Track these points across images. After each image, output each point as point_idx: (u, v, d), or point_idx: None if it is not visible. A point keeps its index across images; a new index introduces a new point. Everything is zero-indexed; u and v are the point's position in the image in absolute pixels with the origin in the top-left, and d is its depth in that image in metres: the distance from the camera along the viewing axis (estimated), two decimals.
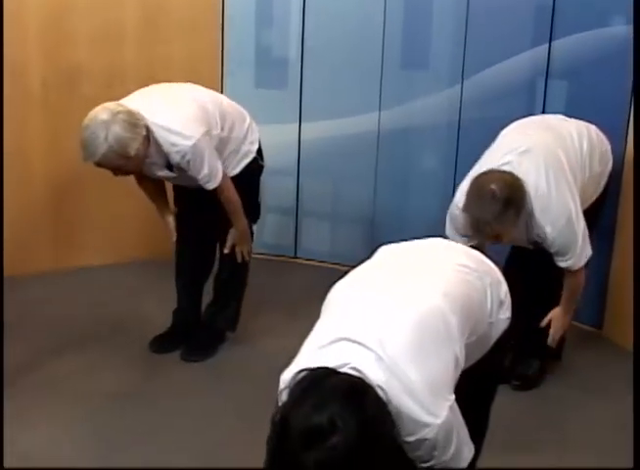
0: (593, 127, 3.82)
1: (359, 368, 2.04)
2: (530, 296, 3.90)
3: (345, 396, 1.94)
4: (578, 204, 3.59)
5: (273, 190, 5.07)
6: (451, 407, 2.12)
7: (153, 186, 4.06)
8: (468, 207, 3.44)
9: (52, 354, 4.07)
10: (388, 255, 2.48)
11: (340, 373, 2.02)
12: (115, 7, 4.39)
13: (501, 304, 2.49)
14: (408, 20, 4.88)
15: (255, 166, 4.05)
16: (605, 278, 4.43)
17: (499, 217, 3.35)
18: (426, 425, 2.07)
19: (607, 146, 3.86)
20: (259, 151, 4.07)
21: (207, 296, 4.28)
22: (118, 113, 3.55)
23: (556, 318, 3.77)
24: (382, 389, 2.02)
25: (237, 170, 3.99)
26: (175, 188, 4.12)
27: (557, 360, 4.14)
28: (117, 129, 3.50)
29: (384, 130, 5.04)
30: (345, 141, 5.13)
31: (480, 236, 3.47)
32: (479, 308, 2.37)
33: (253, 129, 4.04)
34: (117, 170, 3.66)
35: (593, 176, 3.77)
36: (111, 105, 3.60)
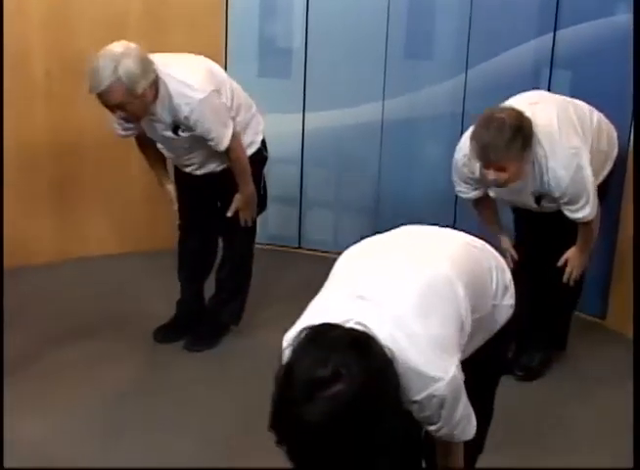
0: (601, 114, 3.83)
1: (364, 322, 2.02)
2: (535, 287, 3.91)
3: (349, 346, 1.92)
4: (588, 153, 3.57)
5: (277, 180, 5.06)
6: (458, 367, 2.11)
7: (154, 153, 3.99)
8: (475, 133, 3.40)
9: (54, 344, 4.07)
10: (398, 231, 2.48)
11: (343, 327, 2.00)
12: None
13: (505, 289, 2.48)
14: (412, 9, 4.86)
15: (259, 158, 4.03)
16: (609, 268, 4.43)
17: (507, 144, 3.31)
18: (434, 379, 2.05)
19: (613, 132, 3.86)
20: (263, 142, 4.06)
21: (211, 283, 4.27)
22: (133, 49, 3.50)
23: (572, 257, 3.77)
24: (387, 343, 1.99)
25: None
26: (178, 179, 4.09)
27: (561, 351, 4.13)
28: (129, 63, 3.45)
29: (387, 120, 5.03)
30: (349, 131, 5.12)
31: (483, 167, 3.41)
32: (483, 286, 2.37)
33: (259, 120, 4.03)
34: (118, 108, 3.54)
35: (600, 151, 3.74)
36: (126, 42, 3.54)
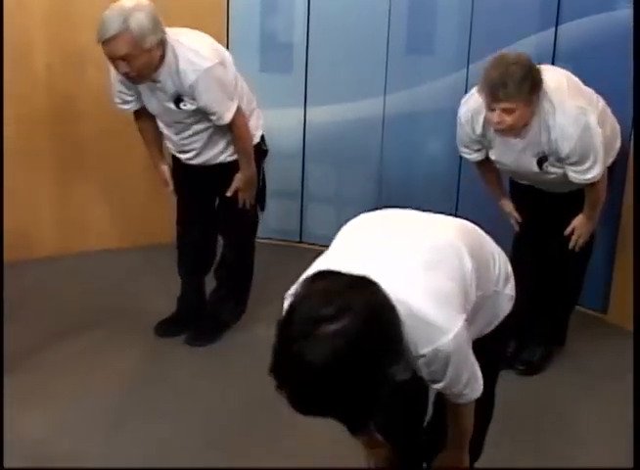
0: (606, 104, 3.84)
1: (367, 273, 1.97)
2: (536, 281, 3.92)
3: (352, 287, 1.91)
4: (595, 115, 3.56)
5: (278, 174, 5.06)
6: (465, 326, 2.10)
7: (151, 130, 3.96)
8: (486, 72, 3.39)
9: (56, 338, 4.08)
10: (398, 210, 2.45)
11: (346, 273, 1.97)
12: None
13: (507, 279, 2.47)
14: (414, 4, 4.86)
15: (259, 152, 4.02)
16: (610, 263, 4.43)
17: (516, 82, 3.31)
18: (440, 331, 2.03)
19: (616, 124, 3.85)
20: (262, 137, 4.05)
21: (212, 277, 4.28)
22: (146, 6, 3.50)
23: (579, 225, 3.76)
24: (392, 291, 1.96)
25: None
26: (176, 172, 4.06)
27: (560, 346, 4.13)
28: (141, 16, 3.44)
29: (389, 115, 5.03)
30: (351, 125, 5.12)
31: (490, 109, 3.39)
32: (486, 265, 2.35)
33: (259, 115, 4.02)
34: (123, 60, 3.47)
35: (605, 137, 3.70)
36: None
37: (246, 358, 4.01)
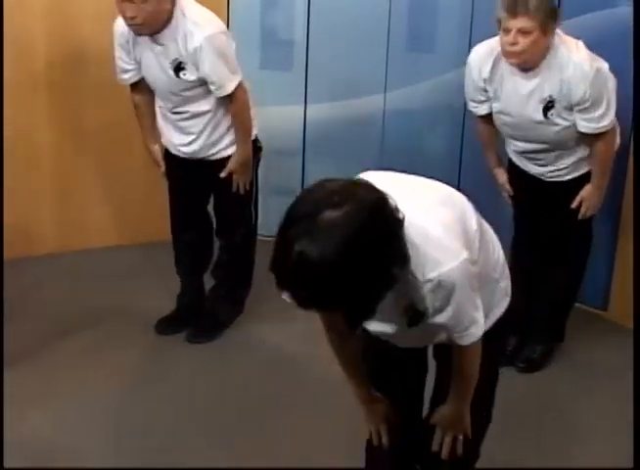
0: None
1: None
2: (535, 279, 3.92)
3: (359, 185, 1.93)
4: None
5: (278, 172, 5.07)
6: (470, 260, 2.10)
7: (146, 105, 3.94)
8: None
9: (56, 336, 4.08)
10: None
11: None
12: None
13: (503, 272, 2.46)
14: (414, 2, 4.86)
15: (254, 148, 3.99)
16: (610, 260, 4.43)
17: (538, 8, 3.31)
18: (449, 256, 2.03)
19: (616, 121, 3.85)
20: (256, 135, 4.01)
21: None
22: None
23: (587, 197, 3.72)
24: (407, 213, 1.95)
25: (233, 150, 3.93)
26: (170, 170, 4.05)
27: (559, 342, 4.12)
28: None
29: (389, 112, 5.02)
30: (351, 123, 5.11)
31: (506, 28, 3.37)
32: (487, 246, 2.34)
33: (255, 113, 3.99)
34: (131, 3, 3.46)
35: None
36: None
37: (245, 356, 4.02)
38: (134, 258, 4.94)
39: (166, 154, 4.04)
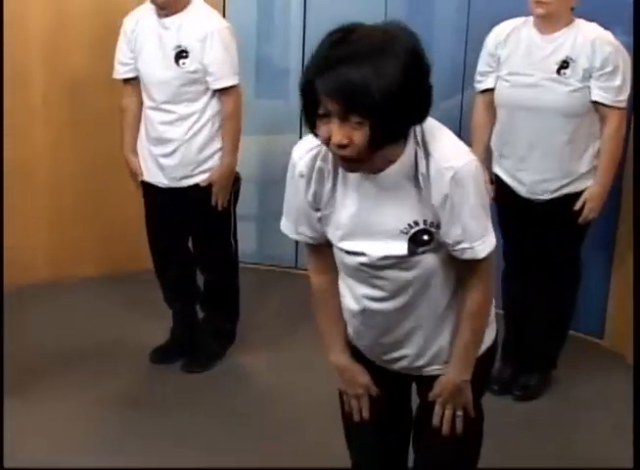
0: None
1: None
2: (528, 307, 3.91)
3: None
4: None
5: (274, 201, 5.05)
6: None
7: (134, 112, 3.92)
8: None
9: (50, 366, 4.06)
10: None
11: None
12: (117, 22, 4.38)
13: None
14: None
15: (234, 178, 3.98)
16: (605, 287, 4.42)
17: None
18: (463, 149, 2.10)
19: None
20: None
21: None
22: None
23: (590, 198, 3.68)
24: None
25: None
26: (148, 207, 4.04)
27: (552, 369, 4.09)
28: None
29: None
30: None
31: None
32: None
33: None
34: None
35: None
36: None
37: (238, 384, 4.02)
38: (128, 287, 4.93)
39: (144, 190, 4.01)
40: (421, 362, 2.32)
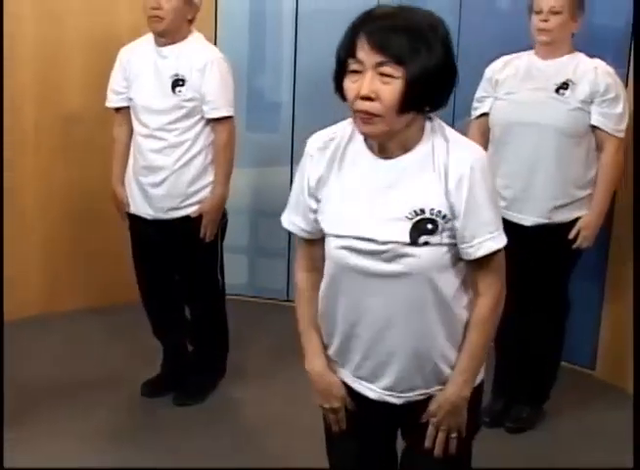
0: None
1: None
2: (520, 339, 3.90)
3: None
4: None
5: (266, 233, 5.08)
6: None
7: (124, 142, 3.92)
8: None
9: (42, 400, 4.04)
10: None
11: None
12: (109, 55, 4.40)
13: None
14: None
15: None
16: (597, 318, 4.42)
17: None
18: (475, 146, 2.17)
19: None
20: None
21: None
22: None
23: (585, 227, 3.68)
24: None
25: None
26: (134, 240, 4.04)
27: (545, 402, 4.07)
28: None
29: None
30: None
31: (538, 10, 3.58)
32: None
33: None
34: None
35: None
36: None
37: (230, 416, 4.01)
38: (118, 319, 4.91)
39: (130, 222, 4.02)
40: (406, 384, 2.24)
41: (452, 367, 2.23)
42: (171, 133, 3.78)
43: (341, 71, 2.10)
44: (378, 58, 1.98)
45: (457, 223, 2.10)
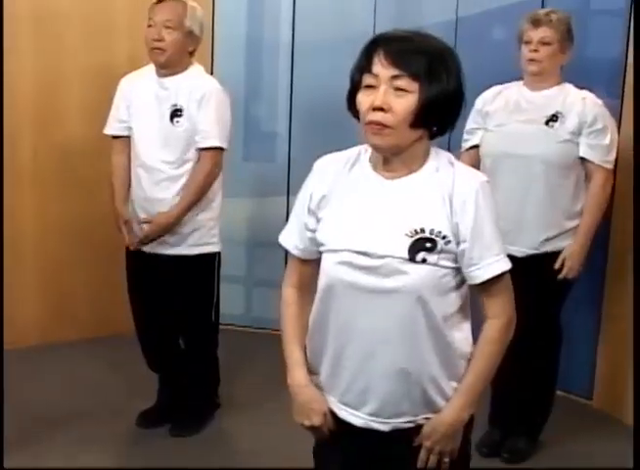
0: None
1: None
2: (513, 370, 3.88)
3: None
4: None
5: (261, 263, 5.07)
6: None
7: (123, 169, 3.90)
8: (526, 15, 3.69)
9: (37, 431, 4.02)
10: None
11: None
12: (107, 85, 4.42)
13: None
14: None
15: (217, 261, 3.97)
16: (594, 347, 4.41)
17: (559, 17, 3.62)
18: (477, 173, 2.22)
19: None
20: (217, 238, 3.97)
21: None
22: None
23: (569, 257, 3.67)
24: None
25: (199, 251, 3.89)
26: (130, 274, 4.03)
27: (540, 432, 4.05)
28: (199, 12, 3.80)
29: None
30: None
31: (527, 40, 3.62)
32: None
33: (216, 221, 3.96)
34: (164, 25, 3.69)
35: None
36: None
37: (228, 447, 3.99)
38: (114, 350, 4.90)
39: (127, 255, 4.00)
40: (392, 409, 2.20)
41: (445, 398, 2.20)
42: (169, 165, 3.78)
43: (355, 88, 2.14)
44: (393, 71, 2.04)
45: (462, 246, 2.11)
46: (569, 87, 3.70)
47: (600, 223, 3.74)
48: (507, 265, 2.17)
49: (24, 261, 4.86)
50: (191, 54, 3.83)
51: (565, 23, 3.65)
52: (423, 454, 2.21)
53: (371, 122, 2.09)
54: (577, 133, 3.61)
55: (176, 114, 3.74)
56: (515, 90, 3.77)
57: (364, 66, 2.09)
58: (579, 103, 3.62)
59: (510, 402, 3.93)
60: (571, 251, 3.67)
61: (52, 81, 4.78)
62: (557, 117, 3.64)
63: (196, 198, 3.79)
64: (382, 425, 2.22)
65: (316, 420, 2.25)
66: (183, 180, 3.78)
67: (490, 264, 2.14)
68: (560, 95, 3.67)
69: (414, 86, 2.04)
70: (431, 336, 2.15)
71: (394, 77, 2.04)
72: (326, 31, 5.04)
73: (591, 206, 3.67)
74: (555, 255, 3.68)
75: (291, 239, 2.31)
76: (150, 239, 3.83)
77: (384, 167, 2.17)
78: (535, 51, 3.61)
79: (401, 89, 2.04)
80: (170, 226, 3.80)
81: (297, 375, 2.28)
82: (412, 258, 2.09)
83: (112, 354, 4.88)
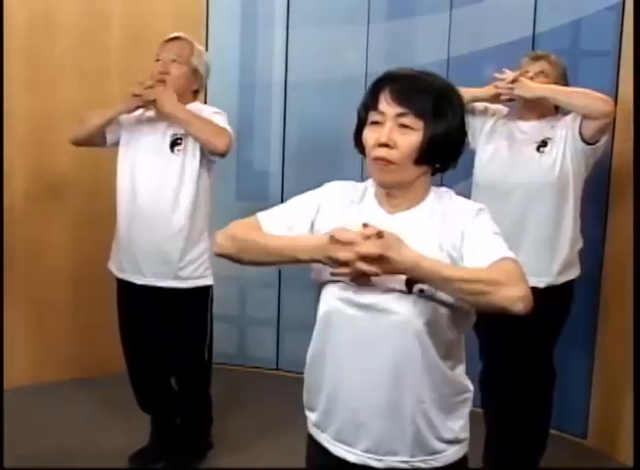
0: None
1: None
2: (507, 409, 3.87)
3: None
4: None
5: (256, 302, 5.06)
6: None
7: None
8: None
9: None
10: None
11: None
12: None
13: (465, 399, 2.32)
14: None
15: (210, 295, 3.95)
16: (588, 386, 4.41)
17: (557, 61, 3.74)
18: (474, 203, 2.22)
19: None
20: (210, 273, 3.95)
21: None
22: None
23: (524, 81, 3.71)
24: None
25: (193, 284, 3.87)
26: (122, 311, 4.00)
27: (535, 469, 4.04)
28: (205, 54, 3.92)
29: None
30: None
31: (527, 67, 3.73)
32: None
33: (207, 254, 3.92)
34: (172, 60, 3.76)
35: None
36: None
37: None
38: (106, 390, 4.88)
39: (118, 287, 3.98)
40: (386, 447, 2.17)
41: (440, 439, 2.19)
42: (168, 196, 3.76)
43: (361, 124, 2.19)
44: (399, 109, 2.10)
45: (464, 255, 2.10)
46: (560, 116, 3.71)
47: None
48: (513, 255, 2.08)
49: (15, 300, 4.84)
50: (194, 94, 3.87)
51: (562, 67, 3.76)
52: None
53: (376, 159, 2.14)
54: (569, 152, 3.63)
55: (176, 142, 3.74)
56: (508, 122, 3.81)
57: (370, 103, 2.14)
58: (569, 124, 3.63)
59: (503, 442, 3.91)
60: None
61: (44, 120, 4.79)
62: (546, 143, 3.67)
63: (198, 122, 3.69)
64: (377, 462, 2.20)
65: (348, 252, 2.03)
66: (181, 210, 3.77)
67: (495, 251, 2.07)
68: (550, 122, 3.71)
69: (419, 124, 2.09)
70: (426, 371, 2.14)
71: (400, 115, 2.09)
72: (318, 71, 5.08)
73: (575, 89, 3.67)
74: (549, 290, 3.66)
75: (271, 221, 2.39)
76: (145, 99, 3.74)
77: (387, 202, 2.21)
78: (533, 78, 3.68)
79: (406, 126, 2.09)
80: (170, 108, 3.71)
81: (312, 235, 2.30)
82: (410, 291, 2.08)
83: (104, 394, 4.86)
